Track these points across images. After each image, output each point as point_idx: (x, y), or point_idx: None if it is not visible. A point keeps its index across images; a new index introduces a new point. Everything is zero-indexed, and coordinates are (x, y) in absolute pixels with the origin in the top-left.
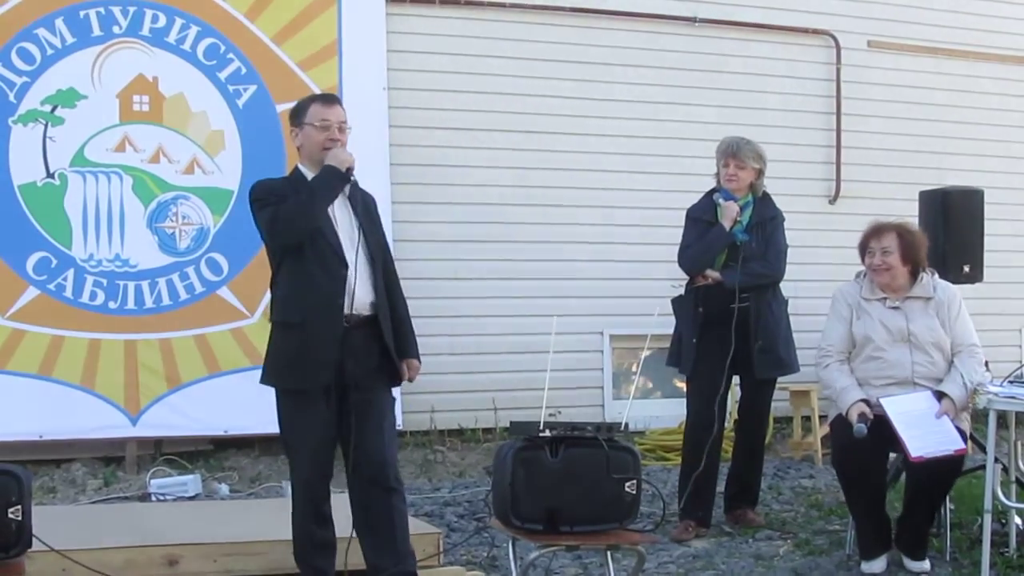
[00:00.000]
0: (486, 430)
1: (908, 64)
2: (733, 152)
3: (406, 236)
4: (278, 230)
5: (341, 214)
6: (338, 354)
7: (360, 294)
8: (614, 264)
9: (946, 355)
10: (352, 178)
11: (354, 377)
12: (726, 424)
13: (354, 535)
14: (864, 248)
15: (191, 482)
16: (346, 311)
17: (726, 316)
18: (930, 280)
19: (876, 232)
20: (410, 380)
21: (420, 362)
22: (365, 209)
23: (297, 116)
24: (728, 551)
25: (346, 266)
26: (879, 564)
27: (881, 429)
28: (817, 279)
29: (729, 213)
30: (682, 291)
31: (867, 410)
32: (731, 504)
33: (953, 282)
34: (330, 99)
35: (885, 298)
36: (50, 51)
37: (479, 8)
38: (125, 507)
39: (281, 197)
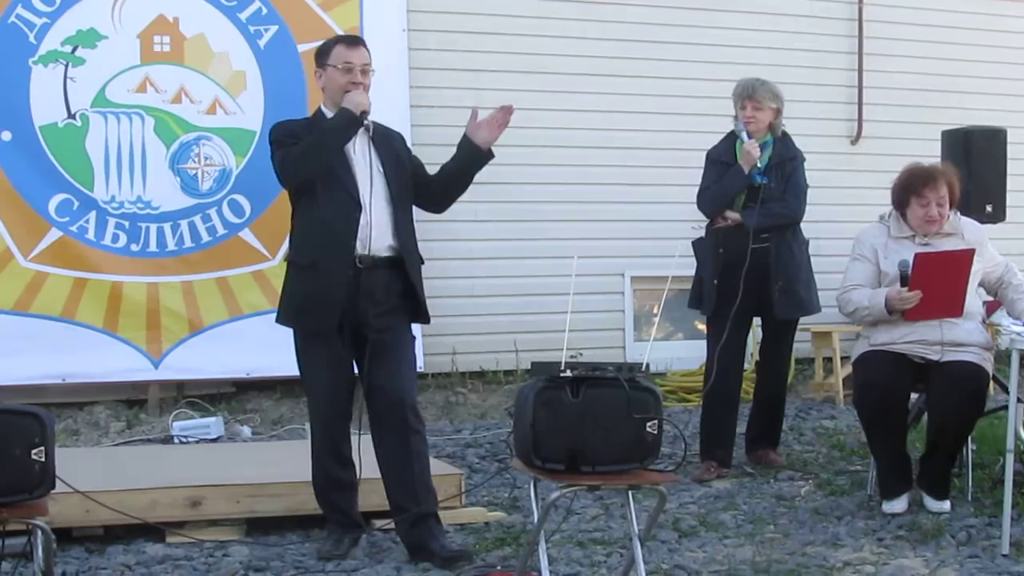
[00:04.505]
0: (507, 372)
1: (931, 2)
2: (749, 94)
3: None
4: (287, 171)
5: (360, 155)
6: (348, 296)
7: (376, 236)
8: (635, 205)
9: (974, 287)
10: (365, 122)
11: (369, 317)
12: (747, 365)
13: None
14: (912, 193)
15: (213, 424)
16: (360, 252)
17: (747, 257)
18: (956, 219)
19: (931, 181)
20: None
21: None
22: (389, 149)
23: (321, 57)
24: (750, 491)
25: (360, 208)
26: (900, 504)
27: (902, 369)
28: (839, 220)
29: (748, 157)
30: (702, 233)
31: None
32: (752, 445)
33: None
34: (355, 41)
35: (914, 235)
36: None
37: None
38: (148, 449)
39: (298, 139)
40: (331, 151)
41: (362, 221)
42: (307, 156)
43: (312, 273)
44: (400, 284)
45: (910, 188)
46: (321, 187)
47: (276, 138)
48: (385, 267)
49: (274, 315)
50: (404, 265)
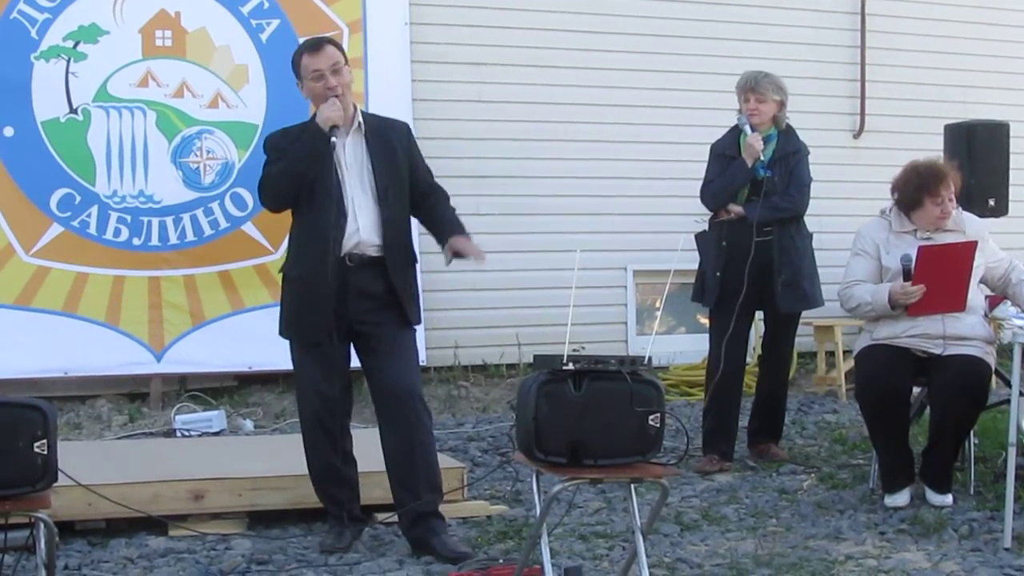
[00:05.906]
0: (510, 366)
1: None
2: (752, 86)
3: None
4: (263, 197)
5: (351, 155)
6: (332, 307)
7: (363, 238)
8: (638, 199)
9: (976, 281)
10: (334, 139)
11: (361, 313)
12: (750, 359)
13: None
14: (927, 193)
15: (216, 418)
16: (348, 251)
17: (750, 250)
18: (958, 214)
19: (943, 179)
20: (477, 256)
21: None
22: (384, 144)
23: (295, 69)
24: (752, 485)
25: (345, 216)
26: (902, 497)
27: (904, 363)
28: (842, 214)
29: (751, 150)
30: (706, 226)
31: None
32: (754, 439)
33: (978, 215)
34: (316, 45)
35: (916, 230)
36: None
37: None
38: (150, 443)
39: (284, 155)
40: (300, 176)
41: (349, 228)
42: (279, 184)
43: (300, 285)
44: (384, 282)
45: (926, 189)
46: (307, 197)
47: (267, 151)
48: (373, 265)
49: (276, 308)
50: (386, 265)
